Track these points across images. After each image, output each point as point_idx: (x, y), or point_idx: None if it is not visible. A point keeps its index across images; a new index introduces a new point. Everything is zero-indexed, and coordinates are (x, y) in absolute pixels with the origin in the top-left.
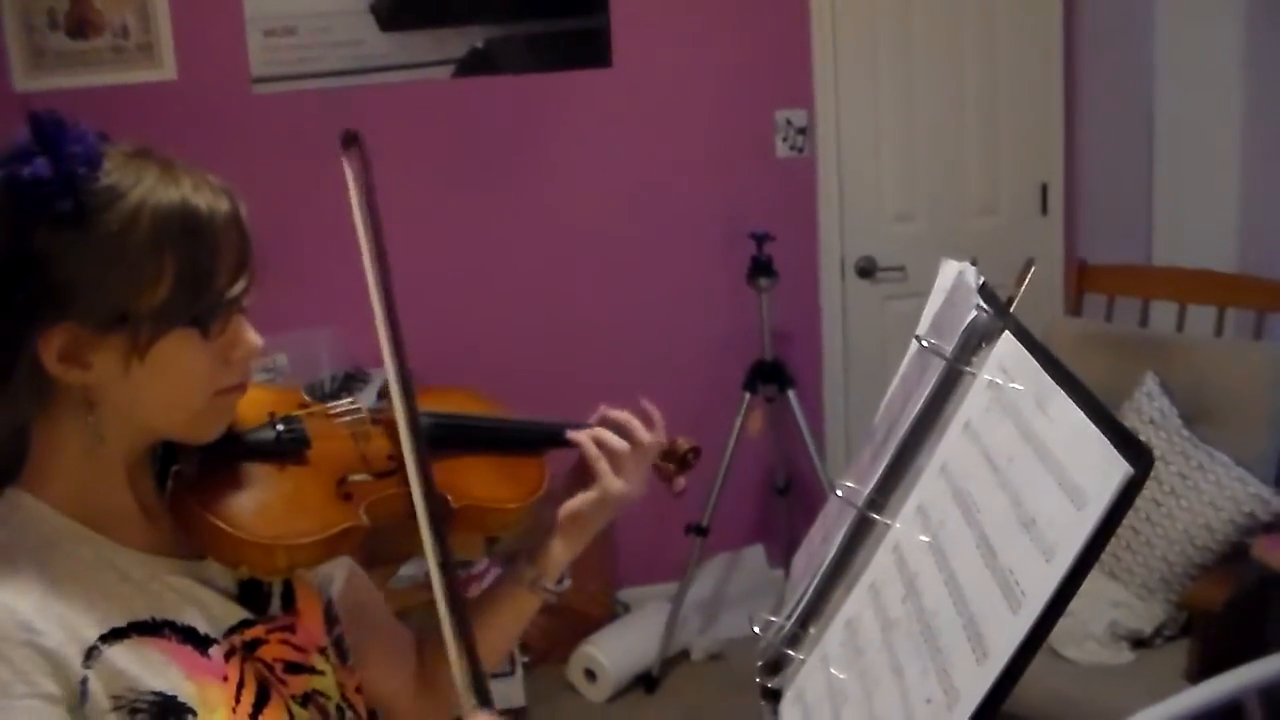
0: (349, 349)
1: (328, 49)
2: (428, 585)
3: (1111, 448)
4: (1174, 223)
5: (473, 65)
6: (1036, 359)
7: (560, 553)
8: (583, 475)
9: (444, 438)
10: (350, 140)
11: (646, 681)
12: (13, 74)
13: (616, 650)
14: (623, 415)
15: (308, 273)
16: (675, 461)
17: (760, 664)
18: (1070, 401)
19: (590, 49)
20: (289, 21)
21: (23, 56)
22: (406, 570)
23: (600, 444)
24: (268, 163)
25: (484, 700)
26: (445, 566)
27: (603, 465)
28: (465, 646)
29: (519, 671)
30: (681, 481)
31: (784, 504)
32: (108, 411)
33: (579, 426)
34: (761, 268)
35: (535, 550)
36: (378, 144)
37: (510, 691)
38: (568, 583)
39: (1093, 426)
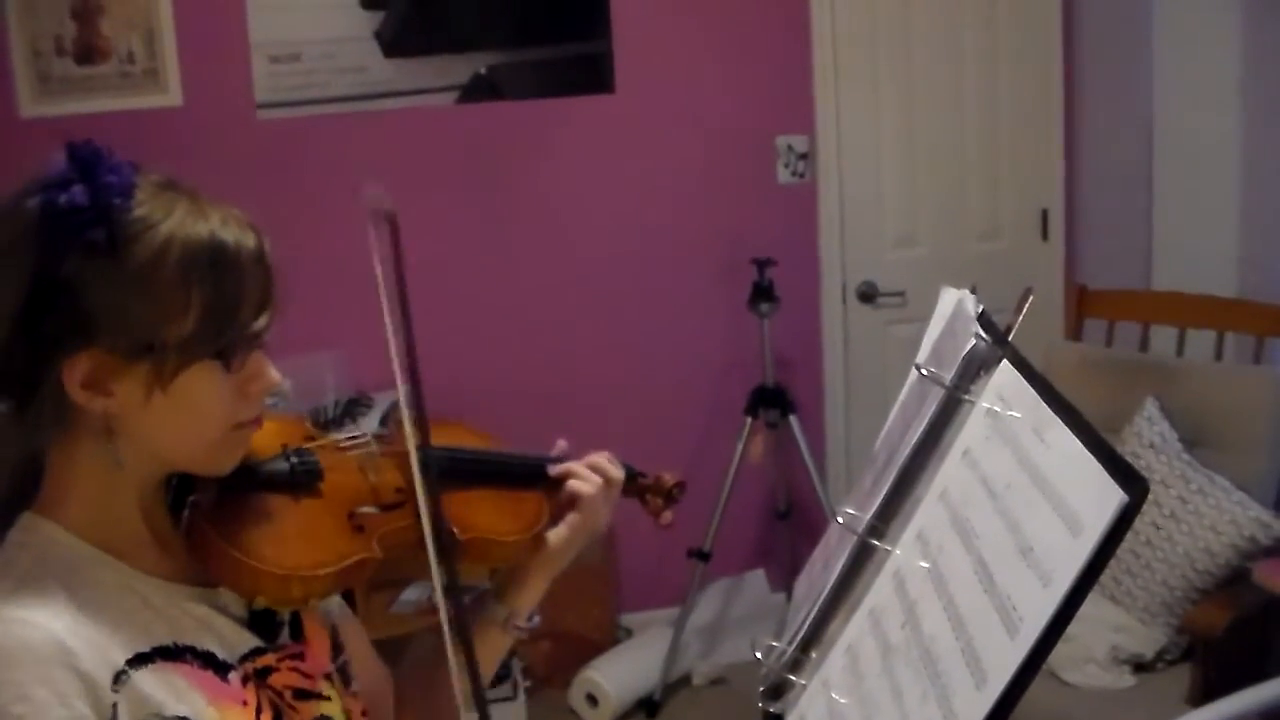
0: (352, 374)
1: (332, 75)
2: (430, 610)
3: (1107, 476)
4: (1174, 248)
5: (476, 91)
6: (1034, 388)
7: (533, 590)
8: (557, 510)
9: (449, 471)
10: (379, 215)
11: (648, 706)
12: (19, 100)
13: (618, 675)
14: (589, 458)
15: (311, 298)
16: (662, 496)
17: (762, 689)
18: (1067, 430)
19: (593, 75)
20: (294, 48)
21: (29, 82)
22: (408, 594)
23: (589, 479)
24: (272, 188)
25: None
26: (452, 596)
27: (597, 502)
28: (471, 673)
29: (521, 696)
30: (669, 515)
31: (785, 529)
32: (126, 440)
33: (552, 461)
34: (763, 293)
35: (505, 589)
36: (381, 169)
37: (512, 716)
38: (537, 619)
39: (1089, 455)
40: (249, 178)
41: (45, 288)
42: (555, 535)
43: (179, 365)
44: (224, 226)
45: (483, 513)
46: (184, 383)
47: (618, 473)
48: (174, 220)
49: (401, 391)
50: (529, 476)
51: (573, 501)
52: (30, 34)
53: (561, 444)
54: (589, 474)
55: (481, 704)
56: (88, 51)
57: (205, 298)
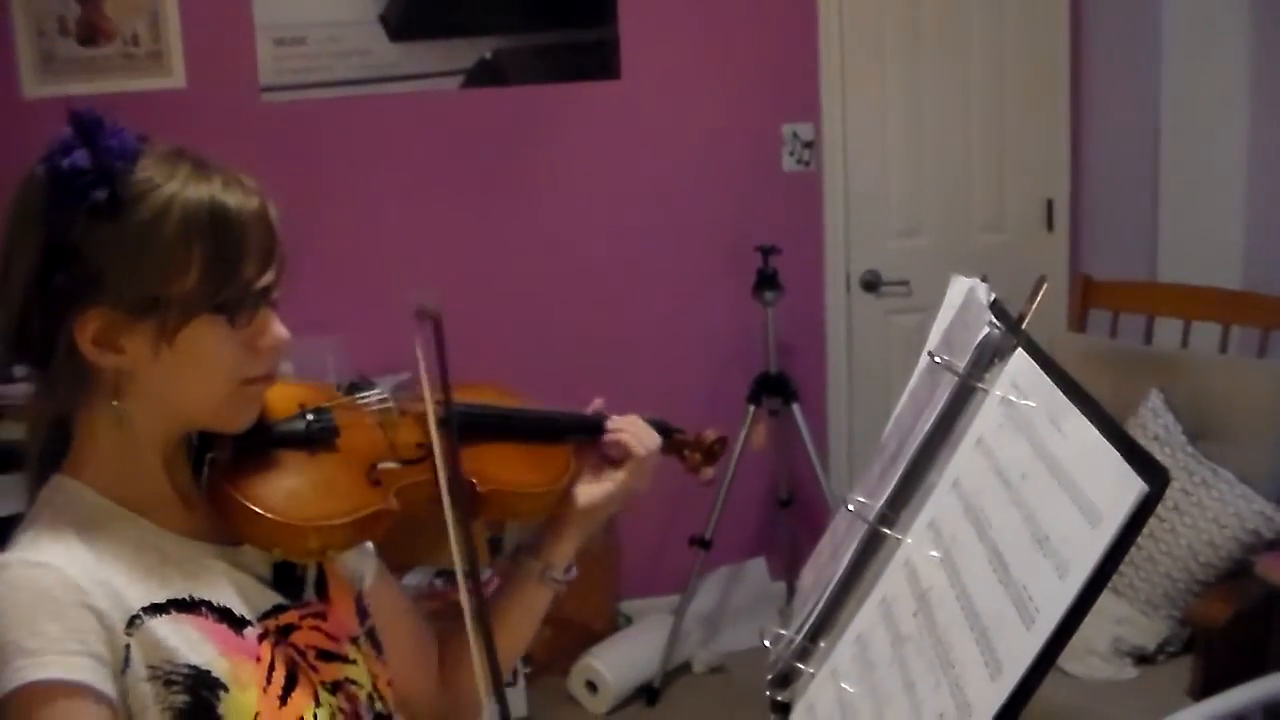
0: (354, 357)
1: (337, 58)
2: (432, 595)
3: (1126, 465)
4: (1179, 240)
5: (481, 76)
6: (1050, 376)
7: (569, 542)
8: (594, 467)
9: (471, 425)
10: (424, 315)
11: (648, 693)
12: (23, 80)
13: (618, 662)
14: (627, 417)
15: (313, 281)
16: (702, 452)
17: (770, 677)
18: (1084, 419)
19: (599, 61)
20: (298, 31)
21: (33, 63)
22: (410, 579)
23: (643, 438)
24: (276, 172)
25: (498, 695)
26: (468, 554)
27: (645, 461)
28: (483, 631)
29: (520, 682)
30: (709, 471)
31: (787, 517)
32: (140, 397)
33: (597, 419)
34: (767, 281)
35: (540, 542)
36: (385, 154)
37: (512, 702)
38: (575, 571)
39: (1107, 444)
40: (252, 161)
41: (55, 249)
42: (597, 489)
43: (182, 319)
44: (226, 190)
45: (505, 466)
46: (189, 337)
47: (655, 436)
48: (175, 183)
49: (421, 351)
50: (560, 431)
51: (616, 458)
52: (34, 14)
53: (598, 402)
54: (642, 432)
55: (496, 669)
56: (91, 32)
57: (206, 255)
